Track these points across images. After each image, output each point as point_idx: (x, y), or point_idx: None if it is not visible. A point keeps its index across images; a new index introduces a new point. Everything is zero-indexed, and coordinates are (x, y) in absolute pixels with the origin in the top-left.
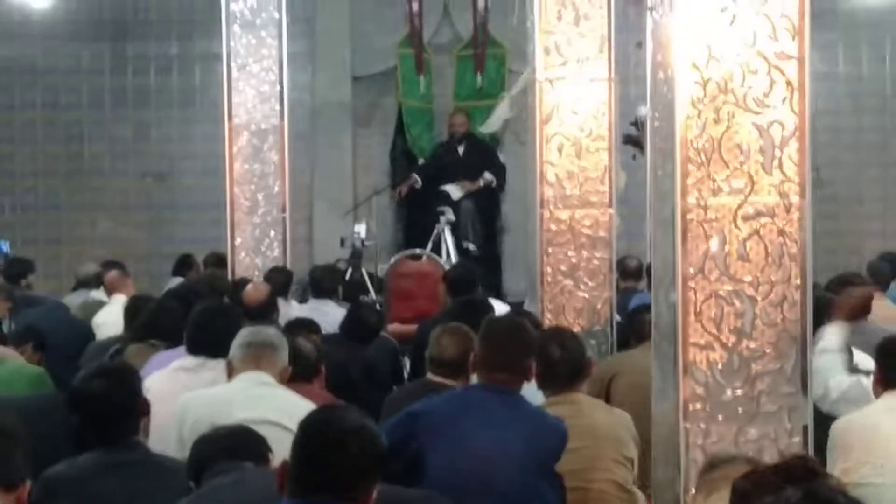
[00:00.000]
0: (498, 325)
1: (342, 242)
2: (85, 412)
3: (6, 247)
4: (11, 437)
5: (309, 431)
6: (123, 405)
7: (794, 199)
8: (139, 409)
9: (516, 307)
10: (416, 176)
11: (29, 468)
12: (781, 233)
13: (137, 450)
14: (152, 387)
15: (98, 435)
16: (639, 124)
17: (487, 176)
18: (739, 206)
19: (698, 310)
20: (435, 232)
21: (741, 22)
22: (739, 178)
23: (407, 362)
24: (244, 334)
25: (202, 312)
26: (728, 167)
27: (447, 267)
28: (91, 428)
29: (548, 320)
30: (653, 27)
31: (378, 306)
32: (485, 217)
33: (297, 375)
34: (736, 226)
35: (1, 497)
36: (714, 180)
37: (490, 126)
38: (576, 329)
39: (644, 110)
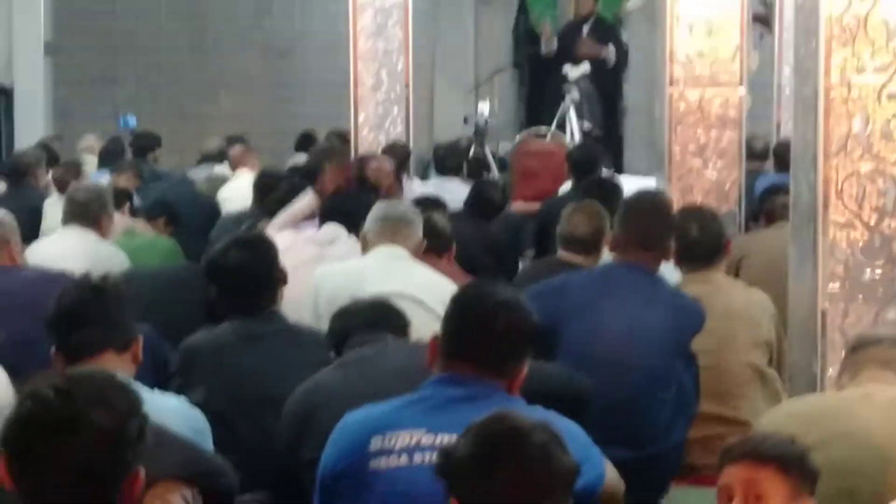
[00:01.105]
0: (640, 204)
1: (465, 121)
2: (224, 282)
3: (133, 121)
4: (116, 299)
5: (462, 305)
6: (262, 275)
7: None
8: (277, 279)
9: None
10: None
11: (137, 325)
12: None
13: (277, 320)
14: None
15: (237, 305)
16: (767, 3)
17: (611, 48)
18: (884, 86)
19: (840, 188)
20: (560, 111)
21: None
22: (884, 57)
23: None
24: (379, 208)
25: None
26: (873, 45)
27: (572, 146)
28: (230, 298)
29: (676, 200)
30: None
31: (501, 184)
32: (607, 97)
33: (430, 250)
34: (880, 104)
35: (116, 359)
36: (858, 58)
37: (634, 4)
38: None
39: None
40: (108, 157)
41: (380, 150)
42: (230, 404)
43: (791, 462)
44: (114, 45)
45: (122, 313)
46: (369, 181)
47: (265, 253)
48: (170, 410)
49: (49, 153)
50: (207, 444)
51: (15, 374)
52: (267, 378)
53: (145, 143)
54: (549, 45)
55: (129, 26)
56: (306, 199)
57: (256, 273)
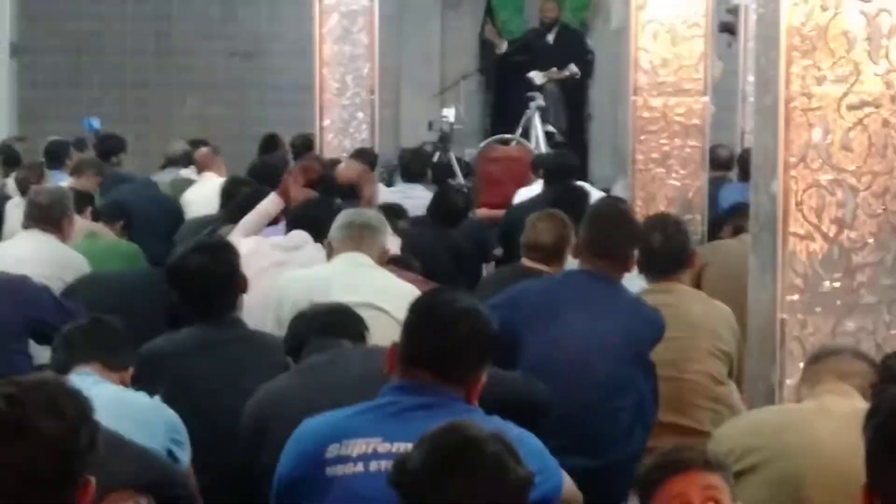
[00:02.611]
0: (605, 212)
1: (430, 126)
2: (184, 287)
3: (97, 124)
4: (118, 332)
5: (421, 312)
6: (222, 281)
7: None
8: (238, 285)
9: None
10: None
11: (133, 359)
12: (886, 123)
13: (236, 326)
14: (246, 260)
15: (197, 310)
16: (735, 12)
17: (573, 68)
18: (844, 96)
19: (799, 199)
20: (525, 117)
21: None
22: (844, 67)
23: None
24: (345, 215)
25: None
26: (833, 56)
27: (536, 152)
28: (190, 303)
29: (639, 208)
30: None
31: (465, 190)
32: (571, 103)
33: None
34: (840, 115)
35: (107, 374)
36: (819, 69)
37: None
38: None
39: None
40: (52, 159)
41: (345, 155)
42: (189, 411)
43: (727, 468)
44: (79, 47)
45: (121, 344)
46: (336, 185)
47: (226, 258)
48: (145, 406)
49: (7, 154)
50: (183, 436)
51: None
52: (226, 385)
53: (110, 146)
54: (500, 47)
55: (95, 28)
56: (268, 201)
57: (217, 279)
